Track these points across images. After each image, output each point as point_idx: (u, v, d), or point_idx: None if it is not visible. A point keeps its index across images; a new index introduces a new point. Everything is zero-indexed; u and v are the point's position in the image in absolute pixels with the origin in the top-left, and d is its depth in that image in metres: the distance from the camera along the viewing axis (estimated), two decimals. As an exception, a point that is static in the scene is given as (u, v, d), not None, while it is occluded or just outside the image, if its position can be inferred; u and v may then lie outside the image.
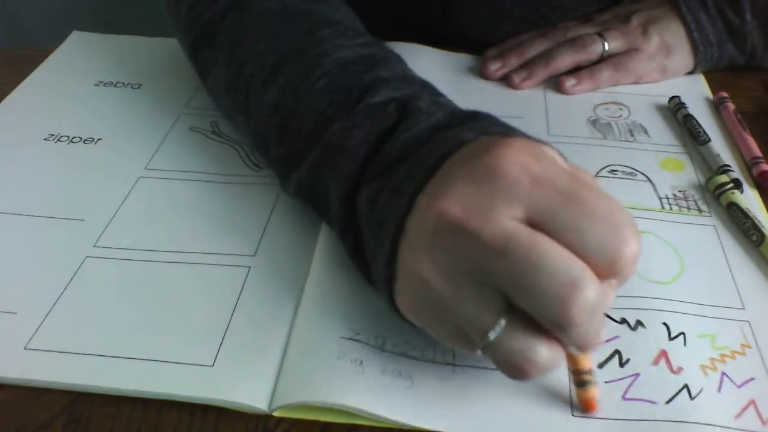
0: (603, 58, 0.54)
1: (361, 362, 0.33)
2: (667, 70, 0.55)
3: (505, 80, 0.55)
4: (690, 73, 0.56)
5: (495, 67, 0.55)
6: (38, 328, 0.36)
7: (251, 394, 0.33)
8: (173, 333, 0.36)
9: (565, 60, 0.54)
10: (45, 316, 0.37)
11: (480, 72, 0.56)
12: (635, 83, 0.55)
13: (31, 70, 0.57)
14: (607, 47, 0.54)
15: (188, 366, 0.34)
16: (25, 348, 0.35)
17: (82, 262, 0.40)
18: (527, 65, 0.54)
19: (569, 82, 0.53)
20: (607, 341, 0.35)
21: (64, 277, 0.39)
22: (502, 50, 0.56)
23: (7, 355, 0.35)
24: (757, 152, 0.47)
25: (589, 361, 0.32)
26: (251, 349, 0.35)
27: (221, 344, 0.35)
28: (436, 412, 0.32)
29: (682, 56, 0.55)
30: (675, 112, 0.51)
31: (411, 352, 0.34)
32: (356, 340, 0.34)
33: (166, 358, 0.34)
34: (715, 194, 0.44)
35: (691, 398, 0.32)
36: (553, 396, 0.33)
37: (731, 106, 0.51)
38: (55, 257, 0.40)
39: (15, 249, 0.41)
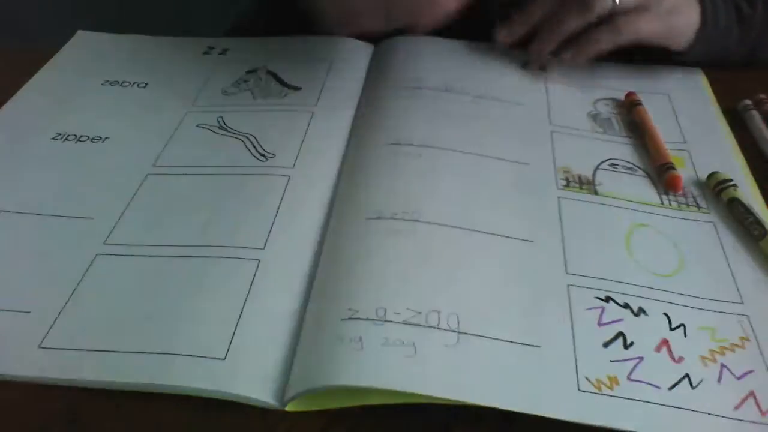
0: (612, 13, 0.51)
1: (360, 338, 0.34)
2: (672, 30, 0.53)
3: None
4: (680, 54, 0.55)
5: (505, 33, 0.55)
6: (51, 326, 0.37)
7: (262, 389, 0.34)
8: (185, 326, 0.36)
9: (571, 22, 0.52)
10: (58, 314, 0.38)
11: (482, 59, 0.57)
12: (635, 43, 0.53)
13: (35, 70, 0.57)
14: (617, 2, 0.51)
15: (201, 359, 0.35)
16: (39, 346, 0.36)
17: (93, 260, 0.41)
18: (536, 36, 0.54)
19: (567, 54, 0.53)
20: (612, 322, 0.37)
21: (76, 275, 0.40)
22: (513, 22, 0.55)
23: (22, 353, 0.36)
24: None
25: None
26: (262, 342, 0.36)
27: (233, 337, 0.36)
28: (440, 379, 0.33)
29: (687, 19, 0.53)
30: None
31: (414, 320, 0.35)
32: (356, 319, 0.35)
33: (179, 351, 0.35)
34: (715, 190, 0.45)
35: (692, 387, 0.34)
36: (560, 369, 0.34)
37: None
38: (66, 255, 0.41)
39: (26, 248, 0.42)
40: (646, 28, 0.51)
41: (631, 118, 0.52)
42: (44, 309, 0.38)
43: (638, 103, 0.52)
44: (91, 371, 0.35)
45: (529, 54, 0.55)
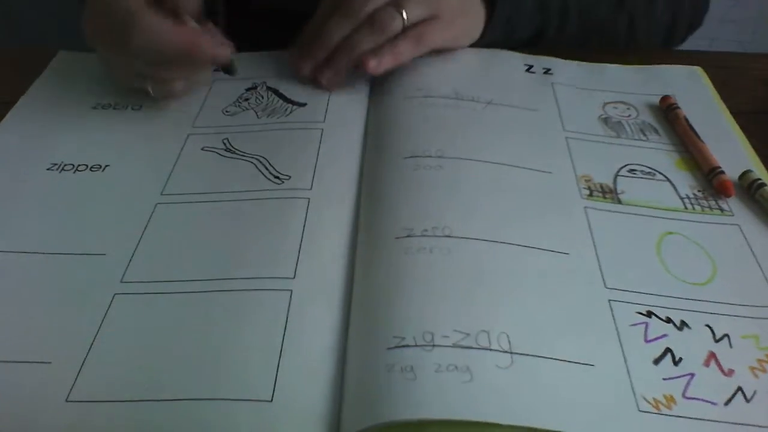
0: (405, 28, 0.52)
1: (412, 368, 0.34)
2: (461, 35, 0.56)
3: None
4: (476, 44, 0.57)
5: (305, 65, 0.54)
6: (77, 377, 0.35)
7: (315, 430, 0.33)
8: (224, 368, 0.35)
9: (367, 48, 0.52)
10: (81, 363, 0.36)
11: (485, 64, 0.56)
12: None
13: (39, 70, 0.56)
14: (406, 20, 0.52)
15: (247, 402, 0.33)
16: (66, 400, 0.34)
17: (111, 300, 0.39)
18: (331, 61, 0.53)
19: (372, 63, 0.51)
20: (658, 338, 0.37)
21: (95, 319, 0.38)
22: (306, 42, 0.55)
23: (49, 409, 0.34)
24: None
25: None
26: (308, 379, 0.35)
27: (276, 376, 0.35)
28: (501, 405, 0.32)
29: (474, 20, 0.55)
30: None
31: (464, 342, 0.35)
32: (403, 346, 0.35)
33: (222, 396, 0.34)
34: (751, 189, 0.45)
35: (747, 401, 0.34)
36: (617, 389, 0.34)
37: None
38: (81, 297, 0.39)
39: (37, 291, 0.39)
40: (439, 36, 0.54)
41: (669, 122, 0.52)
42: (66, 358, 0.36)
43: (676, 107, 0.52)
44: (127, 424, 0.33)
45: (321, 74, 0.53)
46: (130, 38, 0.45)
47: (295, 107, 0.52)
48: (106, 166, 0.48)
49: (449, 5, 0.53)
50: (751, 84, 0.58)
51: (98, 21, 0.49)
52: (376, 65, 0.51)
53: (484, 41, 0.57)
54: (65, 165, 0.48)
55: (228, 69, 0.51)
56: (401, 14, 0.51)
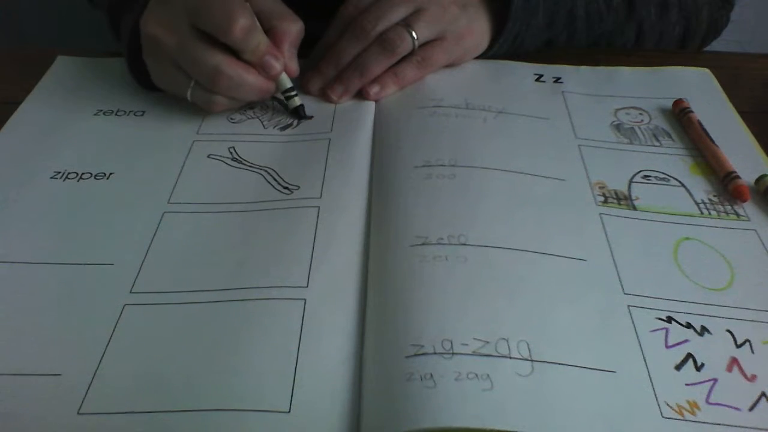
0: (413, 49, 0.55)
1: (431, 375, 0.34)
2: (465, 53, 0.58)
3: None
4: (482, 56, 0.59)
5: (315, 82, 0.56)
6: (88, 389, 0.36)
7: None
8: (240, 379, 0.36)
9: (377, 68, 0.54)
10: (93, 375, 0.36)
11: (493, 74, 0.58)
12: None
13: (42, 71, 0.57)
14: (416, 40, 0.54)
15: (264, 414, 0.34)
16: (78, 413, 0.35)
17: (122, 311, 0.39)
18: (342, 78, 0.55)
19: (373, 90, 0.55)
20: (678, 344, 0.38)
21: (105, 330, 0.38)
22: (317, 59, 0.57)
23: (61, 421, 0.34)
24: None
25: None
26: (325, 389, 0.35)
27: (293, 387, 0.35)
28: (523, 413, 0.33)
29: (477, 39, 0.57)
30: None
31: (483, 350, 0.36)
32: (422, 354, 0.35)
33: (239, 407, 0.34)
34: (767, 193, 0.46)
35: (772, 406, 0.35)
36: (640, 395, 0.35)
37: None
38: (90, 308, 0.40)
39: (45, 302, 0.40)
40: (445, 58, 0.56)
41: (682, 126, 0.53)
42: (76, 370, 0.36)
43: (689, 111, 0.53)
44: (142, 436, 0.34)
45: (332, 91, 0.55)
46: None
47: (301, 119, 0.53)
48: (111, 173, 0.48)
49: (457, 25, 0.55)
50: (751, 84, 0.59)
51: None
52: (378, 92, 0.54)
53: (490, 54, 0.59)
54: (69, 173, 0.48)
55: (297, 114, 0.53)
56: (411, 34, 0.53)
